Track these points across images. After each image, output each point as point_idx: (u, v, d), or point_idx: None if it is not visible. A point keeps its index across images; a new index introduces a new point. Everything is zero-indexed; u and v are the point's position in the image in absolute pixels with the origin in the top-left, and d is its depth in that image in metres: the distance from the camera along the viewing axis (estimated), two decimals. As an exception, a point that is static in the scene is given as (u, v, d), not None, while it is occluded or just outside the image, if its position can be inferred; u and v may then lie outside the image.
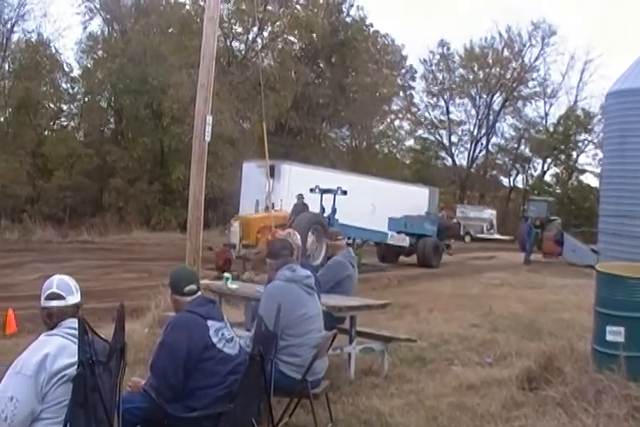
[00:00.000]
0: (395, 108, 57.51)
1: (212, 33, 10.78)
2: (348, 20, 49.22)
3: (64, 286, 4.14)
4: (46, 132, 43.60)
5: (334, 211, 23.09)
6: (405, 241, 26.14)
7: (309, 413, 5.94)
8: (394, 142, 58.58)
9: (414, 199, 37.43)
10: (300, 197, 23.16)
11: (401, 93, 57.37)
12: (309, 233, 20.41)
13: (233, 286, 8.43)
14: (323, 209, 23.29)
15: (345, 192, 22.58)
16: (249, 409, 4.56)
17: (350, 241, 23.17)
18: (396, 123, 59.10)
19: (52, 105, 43.80)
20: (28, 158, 37.81)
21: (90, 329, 3.87)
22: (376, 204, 30.27)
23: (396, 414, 6.42)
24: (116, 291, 16.21)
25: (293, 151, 40.83)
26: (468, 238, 45.75)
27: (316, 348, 5.75)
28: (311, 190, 23.62)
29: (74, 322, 3.94)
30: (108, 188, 39.58)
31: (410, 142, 62.65)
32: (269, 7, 42.89)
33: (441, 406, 6.70)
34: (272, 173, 29.02)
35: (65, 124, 46.09)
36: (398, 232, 26.20)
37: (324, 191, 23.51)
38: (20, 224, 33.62)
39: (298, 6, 44.46)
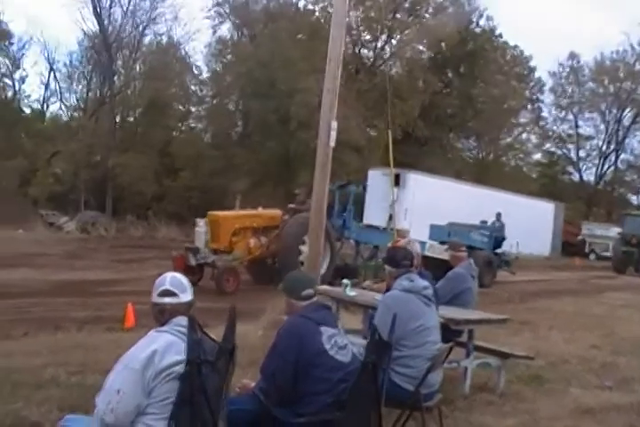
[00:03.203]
0: (522, 120, 56.46)
1: (338, 37, 10.71)
2: (478, 30, 48.66)
3: (177, 284, 4.15)
4: (174, 133, 44.57)
5: (350, 211, 20.91)
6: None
7: (421, 426, 5.77)
8: (521, 155, 57.45)
9: (540, 214, 36.79)
10: (302, 192, 19.86)
11: (529, 106, 56.31)
12: (306, 238, 17.22)
13: (351, 293, 8.32)
14: (344, 208, 20.92)
15: (364, 188, 20.51)
16: (358, 419, 4.44)
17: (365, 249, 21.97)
18: (524, 136, 57.95)
19: (180, 106, 44.82)
20: (155, 157, 38.69)
21: (199, 328, 3.92)
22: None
23: (508, 434, 6.22)
24: (236, 292, 16.31)
25: (419, 160, 40.49)
26: (592, 256, 44.41)
27: (430, 360, 5.58)
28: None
29: (185, 320, 3.97)
30: (232, 190, 40.06)
31: (537, 156, 61.49)
32: (398, 15, 42.76)
33: (555, 429, 6.45)
34: (397, 181, 28.92)
35: (193, 125, 47.10)
36: (441, 243, 20.40)
37: (340, 186, 21.13)
38: (145, 221, 34.42)
39: (427, 15, 44.22)
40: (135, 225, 33.86)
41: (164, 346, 3.82)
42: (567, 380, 8.56)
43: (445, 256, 18.97)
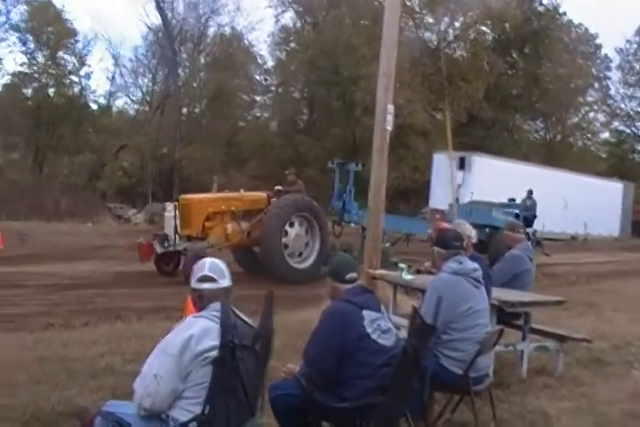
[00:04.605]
0: (589, 99, 55.42)
1: (392, 21, 10.62)
2: (541, 9, 47.75)
3: (216, 269, 4.20)
4: (240, 123, 44.85)
5: (351, 192, 19.99)
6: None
7: (472, 410, 5.69)
8: (588, 135, 56.54)
9: (608, 194, 36.16)
10: (292, 171, 19.29)
11: (596, 84, 55.20)
12: (291, 223, 16.96)
13: (408, 277, 8.24)
14: (344, 189, 19.82)
15: (363, 165, 19.24)
16: (401, 403, 4.42)
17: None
18: (591, 115, 56.80)
19: (245, 96, 45.11)
20: (221, 148, 39.00)
21: (233, 313, 3.99)
22: (568, 198, 29.33)
23: (563, 417, 6.08)
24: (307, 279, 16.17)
25: (486, 143, 40.22)
26: (663, 237, 43.43)
27: (480, 343, 5.51)
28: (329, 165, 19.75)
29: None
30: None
31: (605, 135, 60.25)
32: (461, -3, 42.34)
33: (612, 412, 6.30)
34: (462, 164, 28.76)
35: (258, 115, 47.37)
36: None
37: (340, 164, 20.08)
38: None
39: (489, -5, 43.64)
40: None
41: (201, 331, 3.88)
42: (629, 363, 8.35)
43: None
